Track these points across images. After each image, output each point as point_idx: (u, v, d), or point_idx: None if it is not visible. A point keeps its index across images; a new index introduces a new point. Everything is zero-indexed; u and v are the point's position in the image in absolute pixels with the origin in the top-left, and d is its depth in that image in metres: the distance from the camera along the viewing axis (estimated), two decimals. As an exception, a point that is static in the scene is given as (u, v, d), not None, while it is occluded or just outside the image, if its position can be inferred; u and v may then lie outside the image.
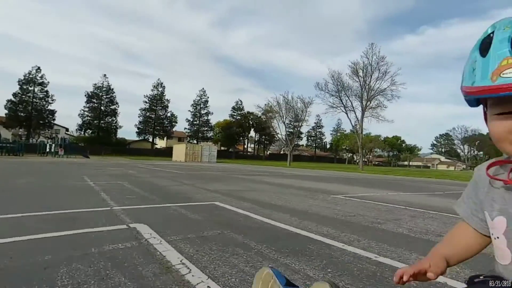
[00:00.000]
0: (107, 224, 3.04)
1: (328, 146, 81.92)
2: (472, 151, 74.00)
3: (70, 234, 2.66)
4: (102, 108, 55.74)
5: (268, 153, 70.90)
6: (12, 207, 3.77)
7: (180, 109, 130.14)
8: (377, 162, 76.49)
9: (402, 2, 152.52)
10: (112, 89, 56.79)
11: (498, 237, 0.60)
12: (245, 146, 71.57)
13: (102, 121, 55.98)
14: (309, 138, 77.35)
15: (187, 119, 61.42)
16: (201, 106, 61.10)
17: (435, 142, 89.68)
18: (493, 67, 0.45)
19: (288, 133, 45.98)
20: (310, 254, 2.34)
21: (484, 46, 0.48)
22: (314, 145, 79.09)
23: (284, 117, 43.04)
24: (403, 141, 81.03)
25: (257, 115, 62.96)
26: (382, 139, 71.31)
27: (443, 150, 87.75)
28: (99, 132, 55.21)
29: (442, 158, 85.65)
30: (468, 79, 0.50)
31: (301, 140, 55.71)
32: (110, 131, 57.26)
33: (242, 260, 2.14)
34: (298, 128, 45.49)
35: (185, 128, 62.25)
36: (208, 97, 61.32)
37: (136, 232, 2.78)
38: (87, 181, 7.35)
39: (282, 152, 74.27)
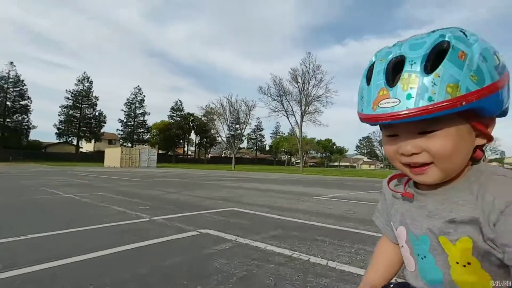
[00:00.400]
0: (175, 233, 3.40)
1: (267, 148, 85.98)
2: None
3: (159, 242, 3.00)
4: (8, 103, 47.45)
5: (209, 156, 70.52)
6: (50, 223, 3.67)
7: (110, 108, 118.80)
8: (312, 163, 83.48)
9: (330, 15, 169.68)
10: (22, 80, 48.89)
11: (403, 246, 0.66)
12: (185, 149, 69.77)
13: (8, 120, 47.62)
14: (250, 140, 79.91)
15: (119, 119, 56.83)
16: (137, 105, 57.31)
17: (359, 144, 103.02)
18: (373, 96, 0.52)
19: (229, 135, 46.89)
20: (367, 240, 3.24)
21: (369, 74, 0.55)
22: (255, 147, 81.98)
23: (228, 120, 43.84)
24: (334, 143, 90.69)
25: (198, 116, 62.27)
26: (316, 141, 78.38)
27: (365, 151, 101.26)
28: (3, 133, 46.82)
29: (365, 159, 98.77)
30: (359, 105, 0.56)
31: (242, 142, 57.71)
32: (20, 132, 49.10)
33: (331, 248, 2.90)
34: (242, 131, 46.82)
35: (117, 130, 57.46)
36: (144, 96, 57.90)
37: (216, 236, 3.26)
38: (60, 193, 6.90)
39: (223, 155, 74.79)
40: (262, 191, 8.89)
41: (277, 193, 8.39)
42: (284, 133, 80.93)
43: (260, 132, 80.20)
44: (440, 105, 0.46)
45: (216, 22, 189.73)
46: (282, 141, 75.69)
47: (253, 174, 21.33)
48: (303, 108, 40.20)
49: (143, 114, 57.56)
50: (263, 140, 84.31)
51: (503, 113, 0.56)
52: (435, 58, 0.48)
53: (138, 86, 58.17)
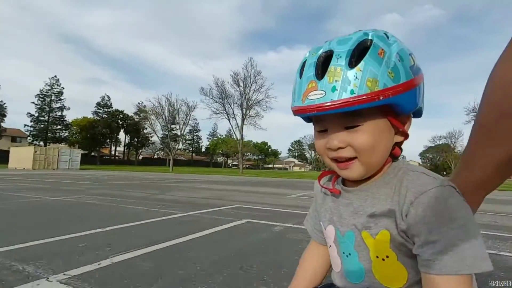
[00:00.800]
0: (226, 222, 4.23)
1: (203, 150, 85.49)
2: (316, 155, 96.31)
3: (225, 228, 3.83)
4: None
5: (140, 157, 66.45)
6: (104, 219, 4.02)
7: (14, 100, 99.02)
8: (247, 165, 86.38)
9: (266, 21, 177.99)
10: None
11: (330, 246, 0.68)
12: (114, 150, 64.24)
13: None
14: (185, 142, 78.30)
15: (29, 113, 49.25)
16: (53, 98, 50.53)
17: (290, 148, 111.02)
18: (304, 89, 0.55)
19: (166, 136, 45.62)
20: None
21: (302, 69, 0.58)
22: (191, 149, 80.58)
23: (167, 120, 42.65)
24: (270, 146, 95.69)
25: (129, 114, 58.36)
26: (253, 144, 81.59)
27: (296, 154, 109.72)
28: None
29: (296, 161, 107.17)
30: (292, 98, 0.59)
31: (179, 144, 56.14)
32: None
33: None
34: (182, 131, 46.03)
35: (25, 125, 49.66)
36: (63, 88, 51.46)
37: (263, 223, 4.22)
38: (44, 197, 6.64)
39: (156, 156, 71.44)
40: (239, 191, 9.85)
41: (253, 193, 9.48)
42: (222, 135, 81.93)
43: (196, 133, 79.39)
44: (361, 98, 0.50)
45: (148, 15, 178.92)
46: (219, 143, 76.47)
47: (199, 176, 21.58)
48: (244, 111, 42.00)
49: (61, 108, 51.17)
50: (200, 141, 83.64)
51: (418, 113, 0.62)
52: (358, 53, 0.52)
53: (55, 76, 51.66)
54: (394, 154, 0.60)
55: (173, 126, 49.02)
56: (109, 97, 58.97)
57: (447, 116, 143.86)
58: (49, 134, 49.84)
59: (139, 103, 49.94)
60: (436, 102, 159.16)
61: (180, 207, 5.60)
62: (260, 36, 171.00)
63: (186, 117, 43.34)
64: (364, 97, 0.50)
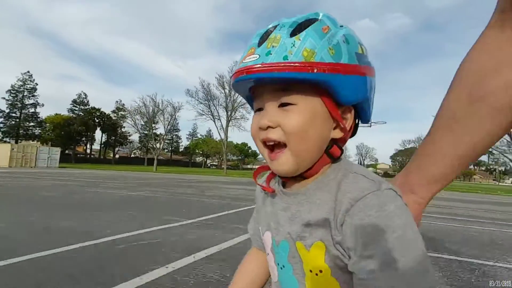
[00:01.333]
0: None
1: (181, 149, 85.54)
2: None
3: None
4: None
5: (117, 156, 65.47)
6: (202, 210, 5.80)
7: None
8: (227, 166, 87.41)
9: (244, 23, 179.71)
10: None
11: (268, 254, 0.62)
12: (90, 148, 62.71)
13: None
14: (163, 141, 77.98)
15: (-1, 109, 47.36)
16: (25, 94, 48.86)
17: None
18: (243, 56, 0.52)
19: (144, 135, 46.06)
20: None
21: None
22: (171, 148, 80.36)
23: (151, 120, 43.17)
24: (249, 147, 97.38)
25: (106, 112, 57.64)
26: (234, 145, 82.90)
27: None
28: None
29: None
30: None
31: (159, 143, 56.24)
32: None
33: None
34: (166, 131, 46.62)
35: (-5, 122, 47.64)
36: (36, 84, 49.89)
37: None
38: (113, 191, 8.04)
39: (133, 155, 70.70)
40: (250, 190, 11.73)
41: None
42: (202, 135, 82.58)
43: (176, 133, 79.39)
44: (293, 64, 0.46)
45: (124, 12, 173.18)
46: (200, 143, 77.15)
47: (190, 176, 22.16)
48: (229, 113, 43.36)
49: (34, 105, 49.61)
50: (179, 141, 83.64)
51: (364, 115, 0.57)
52: (303, 27, 0.49)
53: (28, 71, 49.86)
54: (332, 154, 0.53)
55: (153, 125, 49.41)
56: (85, 95, 57.79)
57: (416, 120, 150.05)
58: (20, 131, 48.16)
59: (117, 102, 49.73)
60: (406, 106, 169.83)
61: (241, 203, 7.45)
62: (238, 37, 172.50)
63: (171, 117, 44.07)
64: (297, 64, 0.46)
